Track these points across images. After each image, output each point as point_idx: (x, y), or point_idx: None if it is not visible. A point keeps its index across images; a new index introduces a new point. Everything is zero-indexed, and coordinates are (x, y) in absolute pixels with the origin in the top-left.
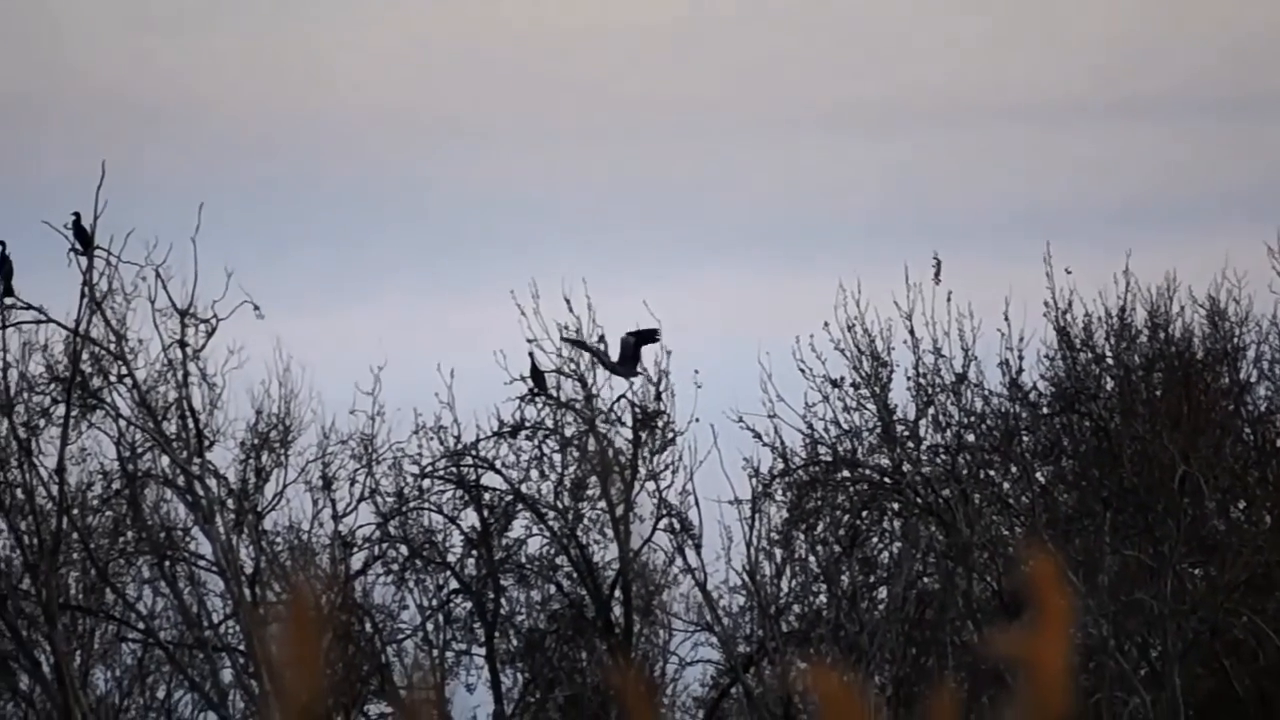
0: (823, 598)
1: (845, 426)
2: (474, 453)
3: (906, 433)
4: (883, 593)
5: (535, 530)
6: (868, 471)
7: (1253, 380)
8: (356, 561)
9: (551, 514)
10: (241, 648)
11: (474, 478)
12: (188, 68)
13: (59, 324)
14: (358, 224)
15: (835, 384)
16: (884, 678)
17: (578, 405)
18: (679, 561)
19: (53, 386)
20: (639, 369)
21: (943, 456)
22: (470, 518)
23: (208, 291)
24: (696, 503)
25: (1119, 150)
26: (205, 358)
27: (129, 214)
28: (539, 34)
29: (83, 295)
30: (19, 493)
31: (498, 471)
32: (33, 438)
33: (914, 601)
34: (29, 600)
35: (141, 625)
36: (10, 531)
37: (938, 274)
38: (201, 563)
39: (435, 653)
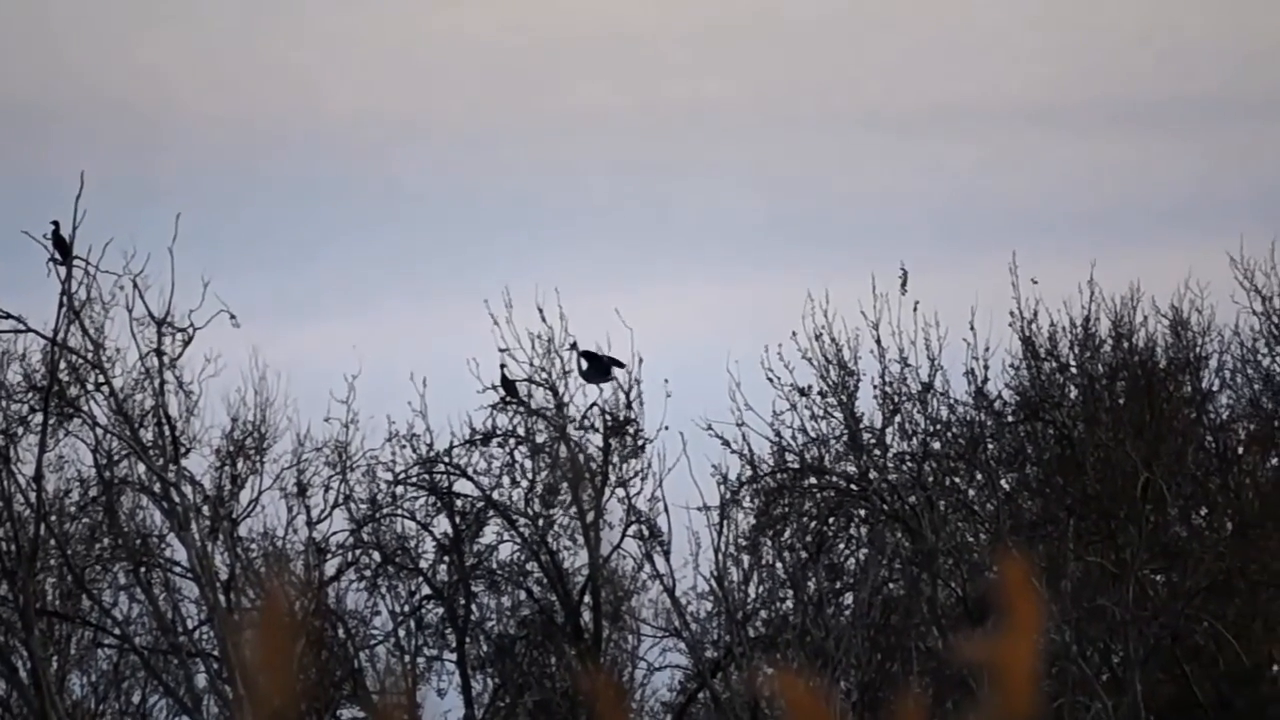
0: (789, 603)
1: (812, 434)
2: (446, 460)
3: (873, 440)
4: (849, 598)
5: (506, 536)
6: (834, 479)
7: (1214, 389)
8: (330, 567)
9: (522, 520)
10: (216, 653)
11: (446, 485)
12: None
13: (37, 333)
14: (331, 233)
15: (803, 392)
16: (850, 683)
17: (549, 413)
18: (648, 567)
19: (30, 395)
20: (611, 376)
21: (909, 464)
22: (442, 524)
23: (185, 300)
24: (666, 509)
25: (1085, 161)
26: (182, 366)
27: (108, 221)
28: (514, 41)
29: (61, 304)
30: None
31: (469, 478)
32: (11, 445)
33: (880, 607)
34: (6, 606)
35: (117, 631)
36: None
37: (904, 284)
38: (177, 569)
39: (407, 658)
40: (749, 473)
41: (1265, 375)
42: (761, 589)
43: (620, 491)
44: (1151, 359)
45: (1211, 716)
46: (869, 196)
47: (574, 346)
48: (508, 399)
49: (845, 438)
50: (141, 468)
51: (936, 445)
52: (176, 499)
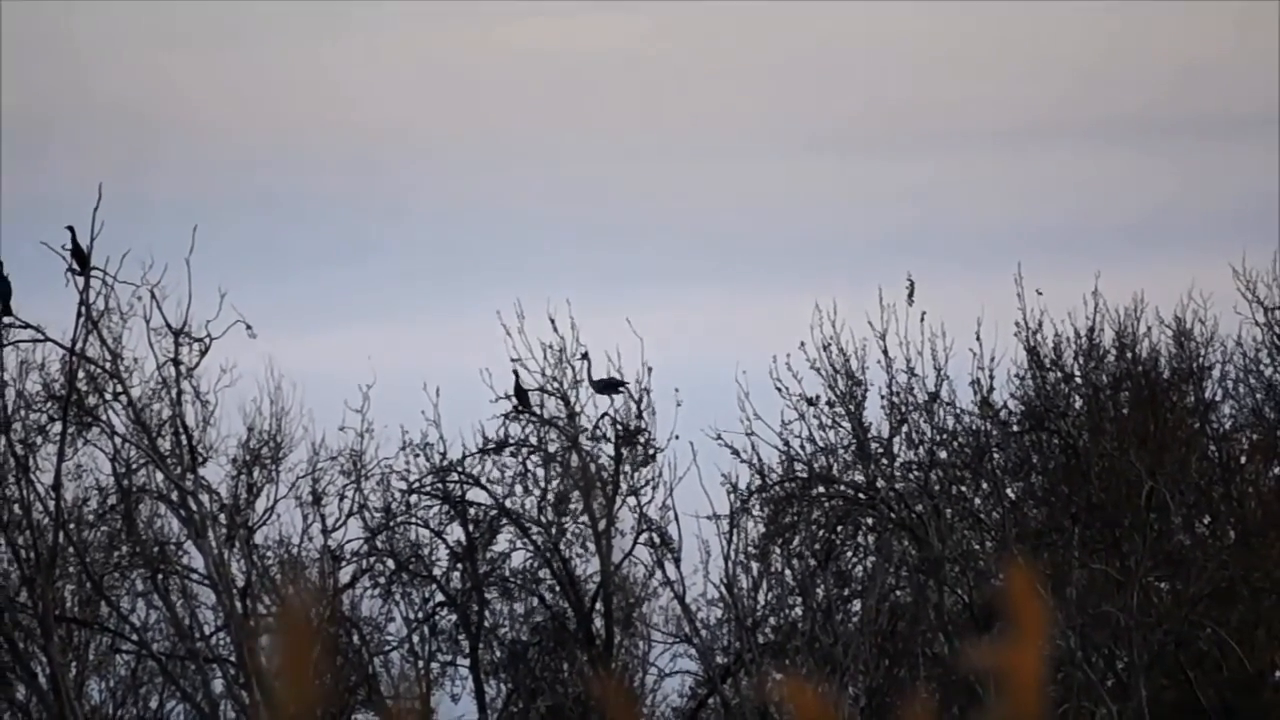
0: (798, 610)
1: (821, 444)
2: (460, 469)
3: (880, 450)
4: (857, 605)
5: (519, 544)
6: (842, 487)
7: (1217, 399)
8: (345, 575)
9: (535, 528)
10: (233, 659)
11: (459, 493)
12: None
13: (56, 343)
14: (347, 245)
15: (811, 402)
16: (858, 689)
17: (561, 423)
18: (659, 575)
19: (49, 404)
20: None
21: (915, 473)
22: (456, 532)
23: (202, 311)
24: (676, 518)
25: (1089, 173)
26: (199, 376)
27: (128, 232)
28: (530, 56)
29: (79, 315)
30: (16, 508)
31: (483, 487)
32: (30, 455)
33: (887, 614)
34: (26, 613)
35: (135, 637)
36: (8, 546)
37: (911, 295)
38: (194, 576)
39: (421, 664)
40: (758, 482)
41: (1268, 385)
42: (771, 596)
43: (631, 500)
44: (1155, 369)
45: None
46: (876, 209)
47: (585, 356)
48: (520, 408)
49: (853, 447)
50: (159, 476)
51: (943, 454)
52: (194, 507)
